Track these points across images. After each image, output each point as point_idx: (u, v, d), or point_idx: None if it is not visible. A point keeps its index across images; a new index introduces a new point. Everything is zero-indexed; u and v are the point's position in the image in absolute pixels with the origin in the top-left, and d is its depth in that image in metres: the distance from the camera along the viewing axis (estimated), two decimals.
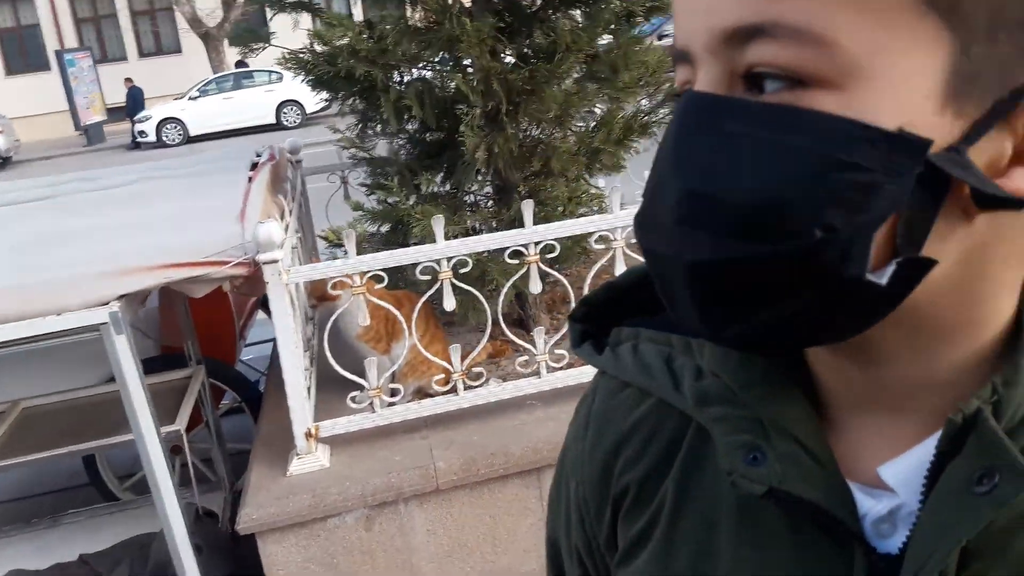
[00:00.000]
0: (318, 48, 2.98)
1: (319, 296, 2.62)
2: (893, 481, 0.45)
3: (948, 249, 0.40)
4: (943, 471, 0.43)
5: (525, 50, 2.82)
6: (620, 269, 2.41)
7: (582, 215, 2.87)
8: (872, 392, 0.47)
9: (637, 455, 0.57)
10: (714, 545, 0.52)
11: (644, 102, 3.03)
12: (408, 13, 2.87)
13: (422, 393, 2.77)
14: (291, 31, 3.55)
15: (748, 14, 0.39)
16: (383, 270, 2.39)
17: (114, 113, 20.98)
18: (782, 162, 0.38)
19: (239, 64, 19.05)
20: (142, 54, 23.98)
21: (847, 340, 0.43)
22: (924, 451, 0.44)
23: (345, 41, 2.81)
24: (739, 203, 0.39)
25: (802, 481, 0.46)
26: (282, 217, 2.54)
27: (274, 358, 2.90)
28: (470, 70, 2.77)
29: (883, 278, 0.39)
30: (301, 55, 3.02)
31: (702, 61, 0.42)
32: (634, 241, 2.47)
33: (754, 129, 0.39)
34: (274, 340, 2.42)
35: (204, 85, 18.44)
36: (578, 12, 2.91)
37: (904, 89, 0.38)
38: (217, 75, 19.07)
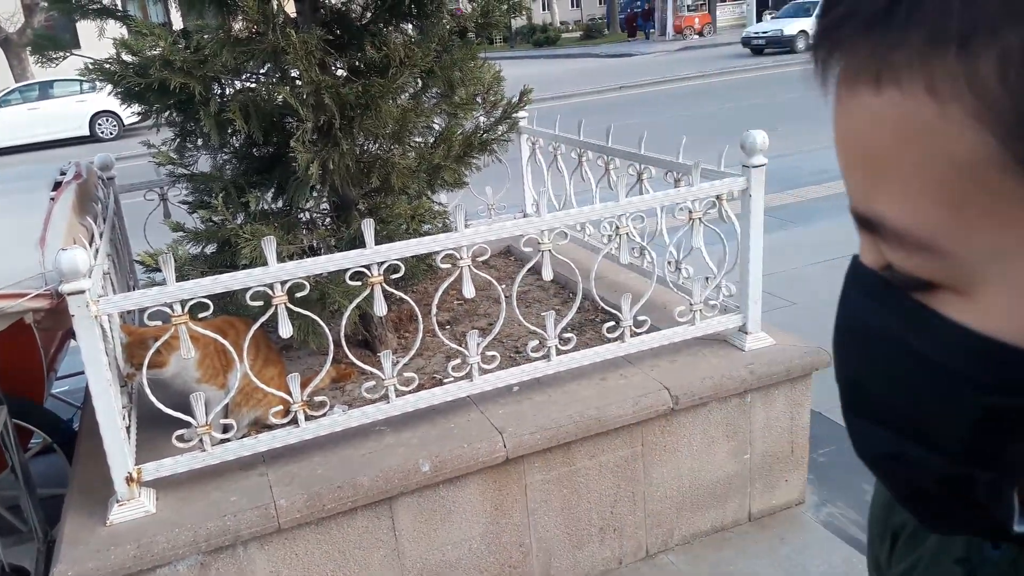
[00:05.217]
0: (127, 58, 2.56)
1: (139, 364, 2.18)
2: None
3: None
4: None
5: (357, 64, 2.55)
6: (468, 287, 2.22)
7: (426, 233, 2.66)
8: None
9: None
10: None
11: (482, 119, 2.85)
12: (228, 22, 2.52)
13: (260, 425, 2.44)
14: (98, 40, 3.09)
15: (860, 201, 0.34)
16: (208, 297, 2.06)
17: None
18: (920, 374, 0.34)
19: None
20: None
21: None
22: None
23: (157, 51, 2.41)
24: (888, 406, 0.36)
25: None
26: (91, 242, 2.16)
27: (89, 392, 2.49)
28: (298, 83, 2.46)
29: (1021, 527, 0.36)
30: (107, 65, 2.57)
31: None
32: (482, 259, 2.33)
33: (898, 331, 0.35)
34: None
35: (6, 94, 16.39)
36: (410, 26, 2.68)
37: None
38: (20, 84, 17.00)
